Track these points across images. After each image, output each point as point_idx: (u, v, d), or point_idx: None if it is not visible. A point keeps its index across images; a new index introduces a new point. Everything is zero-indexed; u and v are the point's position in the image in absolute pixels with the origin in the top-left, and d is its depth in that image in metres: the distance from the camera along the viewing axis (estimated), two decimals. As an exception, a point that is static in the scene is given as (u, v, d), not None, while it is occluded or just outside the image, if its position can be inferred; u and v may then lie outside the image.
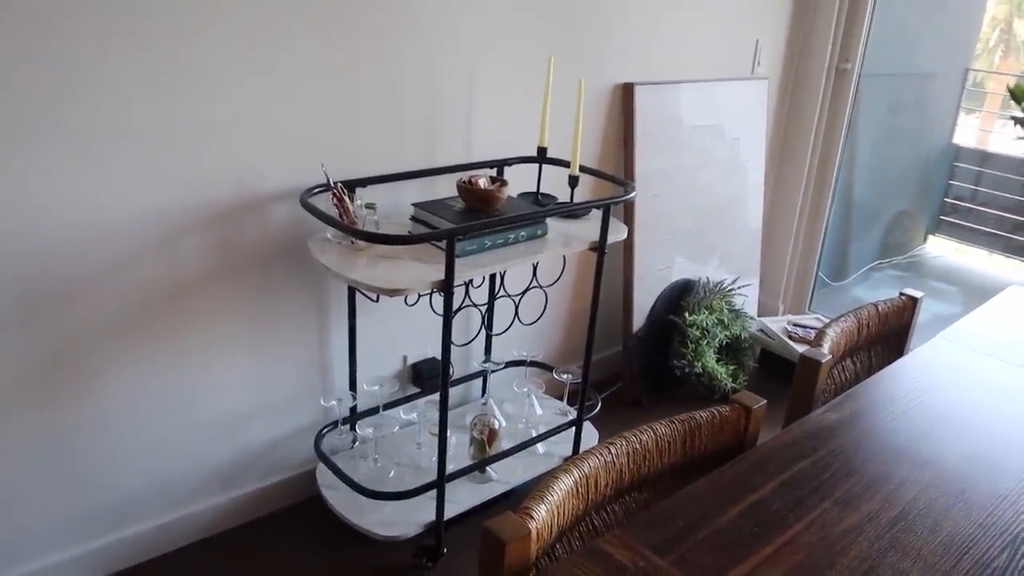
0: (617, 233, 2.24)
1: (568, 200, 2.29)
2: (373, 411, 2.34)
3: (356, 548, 2.17)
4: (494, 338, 2.61)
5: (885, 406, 1.43)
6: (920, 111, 4.62)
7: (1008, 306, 1.92)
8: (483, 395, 2.69)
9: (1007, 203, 4.79)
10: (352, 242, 1.96)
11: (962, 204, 4.99)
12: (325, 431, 2.26)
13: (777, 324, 3.34)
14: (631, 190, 2.26)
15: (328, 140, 2.04)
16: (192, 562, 2.11)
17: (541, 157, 2.33)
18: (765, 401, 1.33)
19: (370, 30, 2.02)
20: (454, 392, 2.64)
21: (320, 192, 1.97)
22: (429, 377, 2.47)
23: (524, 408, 2.57)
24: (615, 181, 2.39)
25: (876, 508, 1.14)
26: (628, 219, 2.80)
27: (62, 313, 1.76)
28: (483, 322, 2.54)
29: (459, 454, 2.31)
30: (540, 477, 2.27)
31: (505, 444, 2.32)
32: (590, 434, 2.56)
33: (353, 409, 2.32)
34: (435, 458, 2.06)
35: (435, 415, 2.15)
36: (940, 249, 5.05)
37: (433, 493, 2.07)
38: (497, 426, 2.30)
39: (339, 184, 1.94)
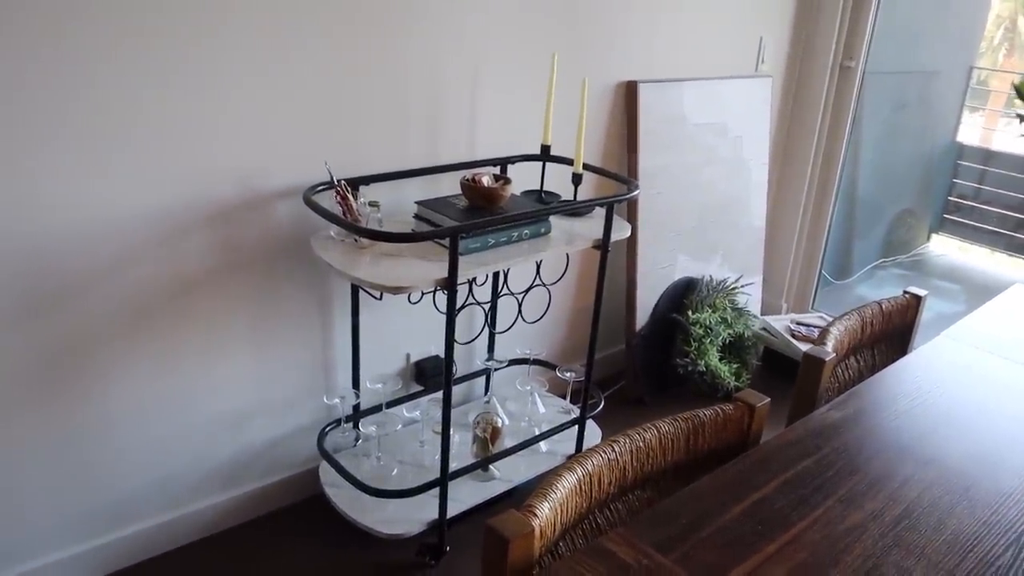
0: (620, 231, 2.24)
1: (571, 198, 2.29)
2: (376, 409, 2.34)
3: (359, 546, 2.17)
4: (497, 336, 2.61)
5: (888, 404, 1.43)
6: (924, 109, 4.61)
7: (1012, 304, 1.92)
8: (486, 393, 2.69)
9: (1011, 201, 4.78)
10: (355, 240, 1.96)
11: (966, 202, 4.98)
12: (328, 429, 2.26)
13: (780, 322, 3.33)
14: (634, 188, 2.26)
15: (332, 138, 2.04)
16: (194, 561, 2.12)
17: (544, 155, 2.33)
18: (769, 399, 1.33)
19: (374, 29, 2.02)
20: (457, 390, 2.64)
21: (323, 190, 1.97)
22: (432, 375, 2.47)
23: (527, 406, 2.57)
24: (618, 179, 2.39)
25: (880, 506, 1.14)
26: (631, 217, 2.80)
27: (64, 311, 1.76)
28: (486, 320, 2.54)
29: (462, 452, 2.31)
30: (543, 475, 2.27)
31: (508, 442, 2.32)
32: (593, 432, 2.56)
33: (356, 407, 2.32)
34: (438, 456, 2.06)
35: (438, 413, 2.15)
36: (944, 247, 5.04)
37: (436, 491, 2.07)
38: (500, 424, 2.30)
39: (342, 182, 1.94)
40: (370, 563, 2.14)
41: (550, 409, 2.59)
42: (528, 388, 2.53)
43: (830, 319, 1.82)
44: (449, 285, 1.83)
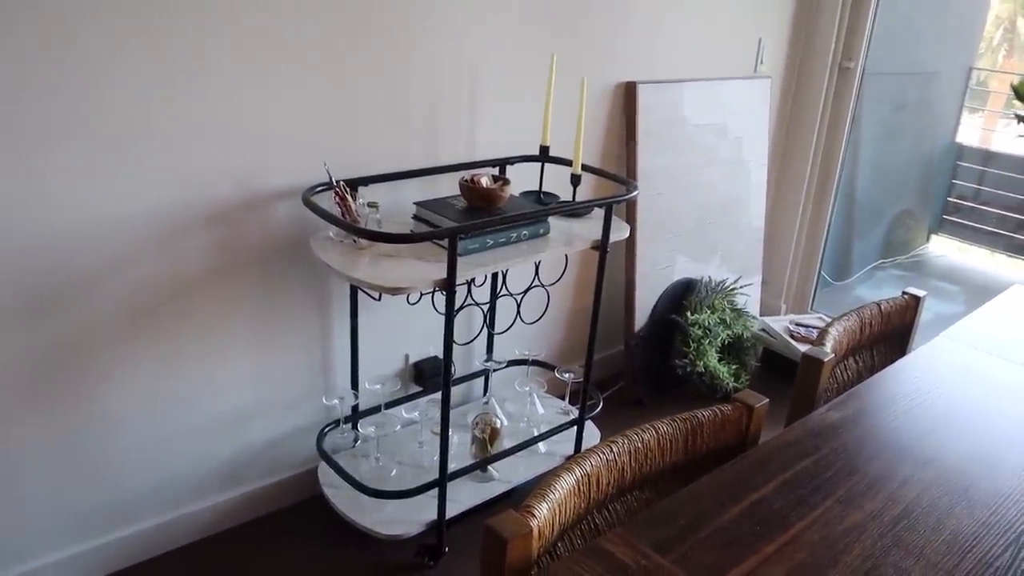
0: (619, 232, 2.24)
1: (570, 199, 2.29)
2: (375, 410, 2.34)
3: (358, 547, 2.17)
4: (496, 337, 2.61)
5: (887, 405, 1.43)
6: (923, 110, 4.61)
7: (1011, 305, 1.92)
8: (485, 394, 2.69)
9: (1010, 202, 4.78)
10: (354, 241, 1.96)
11: (965, 203, 4.98)
12: (327, 430, 2.26)
13: (779, 323, 3.33)
14: (633, 189, 2.26)
15: (331, 139, 2.04)
16: (193, 561, 2.11)
17: (543, 156, 2.33)
18: (767, 400, 1.33)
19: (373, 31, 2.02)
20: (456, 391, 2.64)
21: (322, 191, 1.97)
22: (431, 376, 2.47)
23: (526, 407, 2.57)
24: (617, 180, 2.39)
25: (879, 507, 1.14)
26: (630, 218, 2.80)
27: (66, 311, 1.76)
28: (485, 321, 2.54)
29: (461, 453, 2.31)
30: (542, 476, 2.28)
31: (507, 443, 2.32)
32: (592, 433, 2.55)
33: (355, 408, 2.32)
34: (437, 457, 2.06)
35: (437, 414, 2.15)
36: (943, 248, 5.04)
37: (435, 492, 2.07)
38: (499, 425, 2.30)
39: (341, 182, 1.94)
40: (369, 564, 2.14)
41: (549, 410, 2.59)
42: (527, 389, 2.53)
43: (829, 320, 1.81)
44: (448, 286, 1.83)
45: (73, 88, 1.62)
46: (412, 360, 2.48)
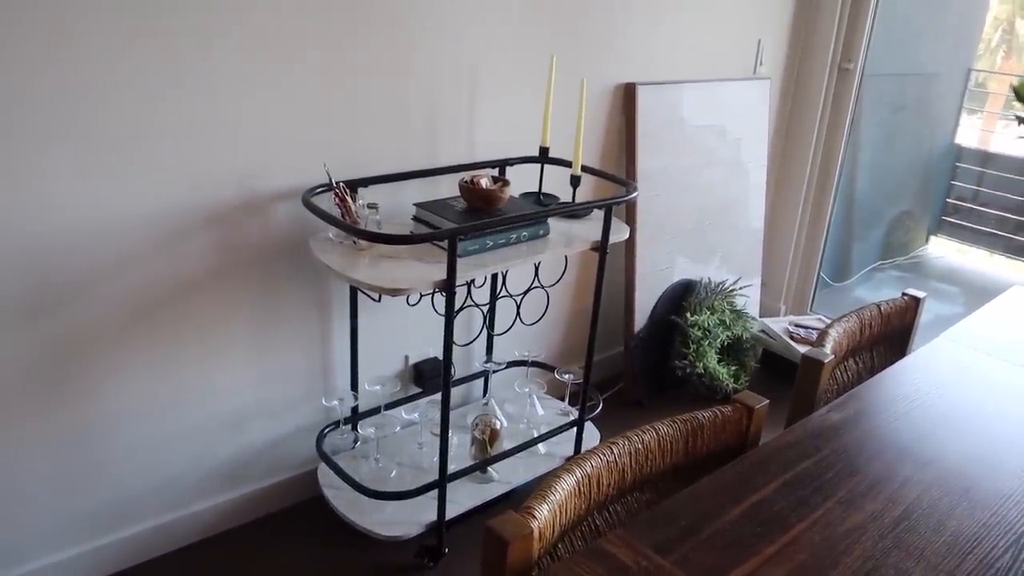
0: (619, 233, 2.24)
1: (570, 200, 2.29)
2: (375, 411, 2.34)
3: (357, 548, 2.17)
4: (495, 338, 2.61)
5: (887, 406, 1.43)
6: (922, 111, 4.61)
7: (1011, 306, 1.92)
8: (484, 395, 2.69)
9: (1008, 203, 4.78)
10: (354, 242, 1.96)
11: (964, 204, 4.98)
12: (327, 431, 2.26)
13: (779, 325, 3.33)
14: (633, 190, 2.26)
15: (330, 140, 2.04)
16: (193, 562, 2.11)
17: (543, 157, 2.33)
18: (767, 401, 1.33)
19: (373, 32, 2.02)
20: (455, 392, 2.64)
21: (322, 192, 1.97)
22: (431, 377, 2.47)
23: (525, 408, 2.57)
24: (617, 181, 2.39)
25: (879, 508, 1.14)
26: (630, 219, 2.80)
27: (67, 311, 1.76)
28: (485, 322, 2.54)
29: (460, 454, 2.31)
30: (541, 477, 2.27)
31: (506, 444, 2.32)
32: (591, 434, 2.55)
33: (355, 409, 2.32)
34: (436, 458, 2.06)
35: (437, 415, 2.15)
36: (942, 250, 5.05)
37: (434, 493, 2.07)
38: (498, 426, 2.30)
39: (341, 184, 1.94)
40: (369, 565, 2.14)
41: (548, 411, 2.59)
42: (527, 390, 2.53)
43: (828, 321, 1.81)
44: (448, 287, 1.83)
45: (76, 91, 1.62)
46: (412, 361, 2.48)
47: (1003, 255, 4.85)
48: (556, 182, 2.41)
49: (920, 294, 1.85)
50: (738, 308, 3.12)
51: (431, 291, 1.84)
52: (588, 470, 1.12)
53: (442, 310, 1.89)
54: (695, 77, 2.94)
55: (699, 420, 1.28)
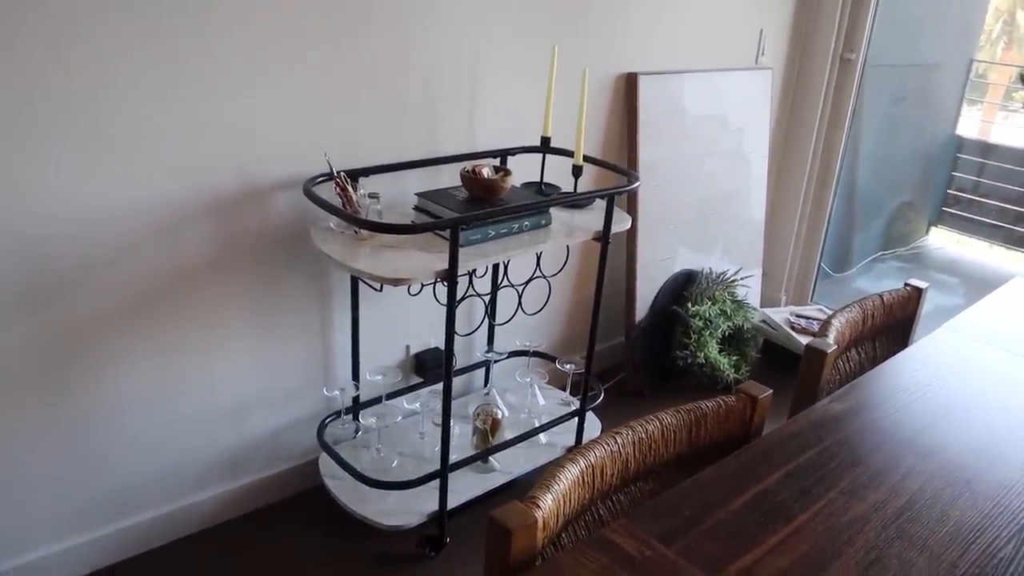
0: (620, 223, 2.23)
1: (571, 190, 2.29)
2: (376, 401, 2.34)
3: (359, 538, 2.17)
4: (497, 328, 2.61)
5: (889, 397, 1.43)
6: (923, 102, 4.60)
7: (1012, 297, 1.92)
8: (486, 385, 2.69)
9: (1009, 194, 4.78)
10: (355, 231, 1.96)
11: (964, 195, 4.98)
12: (328, 421, 2.26)
13: (780, 315, 3.33)
14: (634, 180, 2.25)
15: (331, 129, 2.04)
16: (193, 552, 2.12)
17: (545, 147, 2.32)
18: (771, 391, 1.33)
19: (374, 21, 2.01)
20: (457, 382, 2.64)
21: (323, 181, 1.97)
22: (432, 367, 2.47)
23: (527, 398, 2.57)
24: (618, 171, 2.39)
25: (882, 498, 1.14)
26: (631, 209, 2.80)
27: (68, 300, 1.76)
28: (486, 312, 2.54)
29: (462, 444, 2.31)
30: (543, 467, 2.28)
31: (508, 434, 2.32)
32: (593, 424, 2.55)
33: (356, 399, 2.32)
34: (438, 448, 2.06)
35: (438, 405, 2.15)
36: (942, 240, 5.05)
37: (436, 483, 2.07)
38: (500, 416, 2.30)
39: (342, 173, 1.94)
40: (370, 554, 2.14)
41: (550, 401, 2.59)
42: (528, 380, 2.53)
43: (829, 312, 1.82)
44: (449, 277, 1.83)
45: (78, 78, 1.62)
46: (413, 351, 2.47)
47: (1003, 246, 4.85)
48: (557, 172, 2.41)
49: (923, 284, 1.84)
50: (739, 298, 3.12)
51: (432, 281, 1.84)
52: (592, 460, 1.12)
53: (443, 300, 1.89)
54: (697, 67, 2.93)
55: (702, 410, 1.28)
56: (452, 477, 2.11)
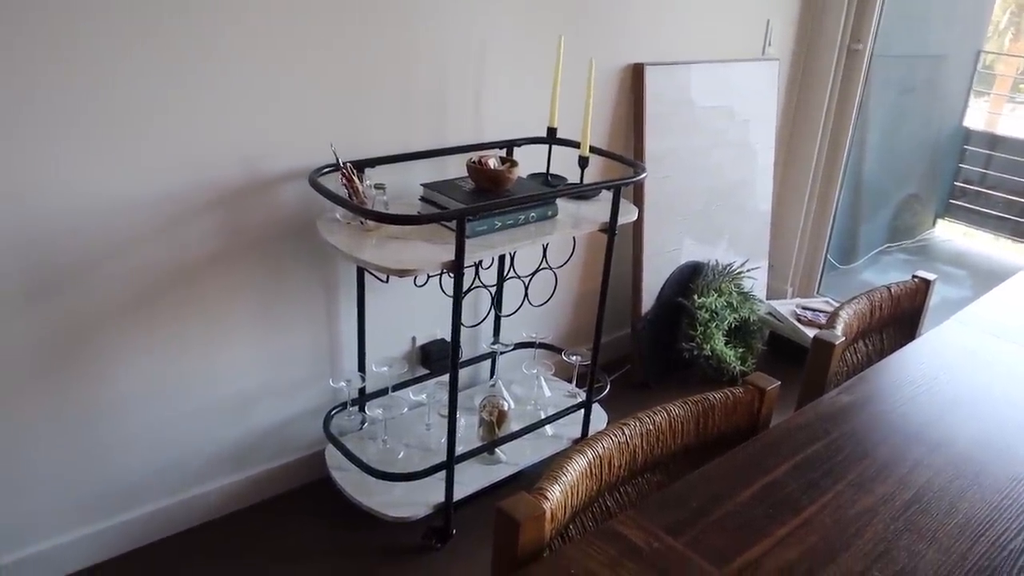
0: (627, 214, 2.23)
1: (578, 181, 2.28)
2: (382, 392, 2.34)
3: (365, 529, 2.18)
4: (503, 319, 2.61)
5: (897, 389, 1.42)
6: (931, 93, 4.58)
7: (1020, 290, 1.91)
8: (492, 377, 2.69)
9: (1016, 186, 4.76)
10: (361, 222, 1.95)
11: (971, 187, 4.96)
12: (334, 412, 2.26)
13: (786, 307, 3.33)
14: (641, 171, 2.25)
15: (338, 120, 2.03)
16: (199, 544, 2.12)
17: (551, 138, 2.32)
18: (779, 383, 1.33)
19: (380, 10, 2.00)
20: (463, 374, 2.64)
21: (329, 172, 1.96)
22: (438, 358, 2.47)
23: (533, 390, 2.57)
24: (625, 162, 2.38)
25: (890, 490, 1.14)
26: (638, 200, 2.79)
27: (68, 293, 1.76)
28: (492, 303, 2.54)
29: (468, 435, 2.31)
30: (549, 459, 2.28)
31: (514, 426, 2.32)
32: (599, 416, 2.55)
33: (362, 390, 2.32)
34: (444, 439, 2.06)
35: (444, 396, 2.15)
36: (949, 233, 5.03)
37: (442, 474, 2.07)
38: (506, 407, 2.30)
39: (348, 164, 1.93)
40: (376, 546, 2.15)
41: (556, 393, 2.59)
42: (534, 371, 2.53)
43: (836, 304, 1.81)
44: (455, 268, 1.82)
45: (81, 70, 1.62)
46: (419, 342, 2.48)
47: (1009, 238, 4.83)
48: (564, 163, 2.40)
49: (931, 276, 1.84)
50: (745, 290, 3.11)
51: (439, 272, 1.84)
52: (599, 451, 1.12)
53: (450, 291, 1.89)
54: (703, 58, 2.92)
55: (710, 401, 1.27)
56: (458, 469, 2.11)
